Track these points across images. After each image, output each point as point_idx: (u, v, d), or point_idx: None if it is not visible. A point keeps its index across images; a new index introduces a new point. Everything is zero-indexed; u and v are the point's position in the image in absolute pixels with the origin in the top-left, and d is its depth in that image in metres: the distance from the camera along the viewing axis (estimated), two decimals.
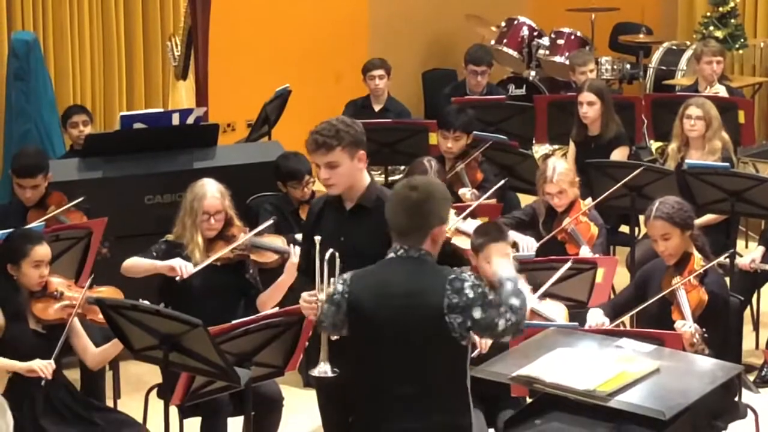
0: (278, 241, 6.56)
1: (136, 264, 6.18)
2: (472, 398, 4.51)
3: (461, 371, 4.44)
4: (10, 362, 5.54)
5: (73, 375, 6.20)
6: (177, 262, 6.04)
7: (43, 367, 5.47)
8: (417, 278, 4.38)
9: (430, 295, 4.33)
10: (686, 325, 5.61)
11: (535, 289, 5.99)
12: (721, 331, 5.74)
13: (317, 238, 4.80)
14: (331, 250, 4.75)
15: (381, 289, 4.40)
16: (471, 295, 4.31)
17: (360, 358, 4.47)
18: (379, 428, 4.44)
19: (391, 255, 4.46)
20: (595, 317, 5.82)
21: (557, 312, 5.99)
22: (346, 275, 4.52)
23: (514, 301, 4.39)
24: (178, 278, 6.00)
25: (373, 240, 4.77)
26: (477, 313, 4.31)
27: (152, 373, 5.99)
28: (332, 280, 4.73)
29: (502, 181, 7.60)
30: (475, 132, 7.87)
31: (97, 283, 6.03)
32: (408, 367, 4.37)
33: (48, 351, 5.54)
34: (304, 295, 4.84)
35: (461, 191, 7.54)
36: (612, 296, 6.45)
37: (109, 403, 6.46)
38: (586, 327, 5.73)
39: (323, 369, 4.74)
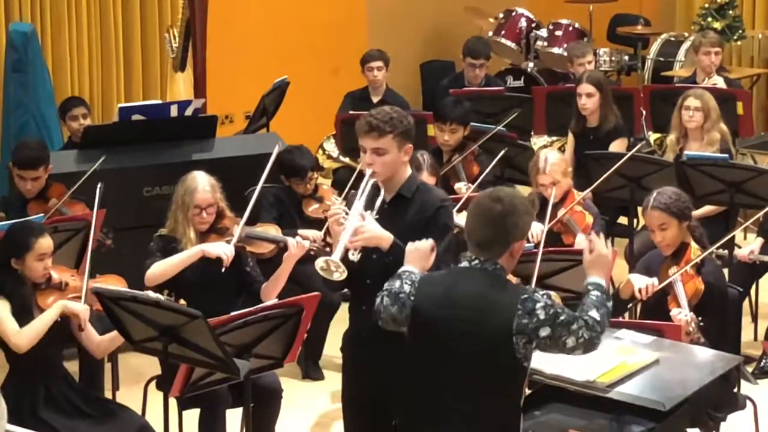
0: (272, 230, 6.53)
1: (170, 263, 5.94)
2: None
3: (516, 392, 4.27)
4: (62, 302, 5.56)
5: (72, 367, 6.19)
6: (222, 251, 5.91)
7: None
8: (488, 293, 4.21)
9: (500, 312, 4.16)
10: (682, 313, 5.61)
11: (528, 281, 5.98)
12: (718, 321, 5.74)
13: (367, 172, 4.82)
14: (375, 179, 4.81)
15: (448, 299, 4.24)
16: (542, 316, 4.15)
17: (414, 361, 4.33)
18: None
19: (465, 264, 4.30)
20: (642, 280, 5.80)
21: None
22: (415, 276, 4.38)
23: (593, 315, 4.23)
24: (224, 268, 5.91)
25: (412, 231, 4.72)
26: (544, 332, 4.15)
27: (151, 365, 6.00)
28: (369, 212, 4.75)
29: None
30: (472, 123, 7.87)
31: (97, 274, 6.02)
32: (461, 382, 4.21)
33: (52, 342, 5.54)
34: (336, 206, 4.86)
35: (457, 186, 7.47)
36: (611, 288, 6.45)
37: (108, 394, 6.46)
38: (636, 291, 5.75)
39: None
